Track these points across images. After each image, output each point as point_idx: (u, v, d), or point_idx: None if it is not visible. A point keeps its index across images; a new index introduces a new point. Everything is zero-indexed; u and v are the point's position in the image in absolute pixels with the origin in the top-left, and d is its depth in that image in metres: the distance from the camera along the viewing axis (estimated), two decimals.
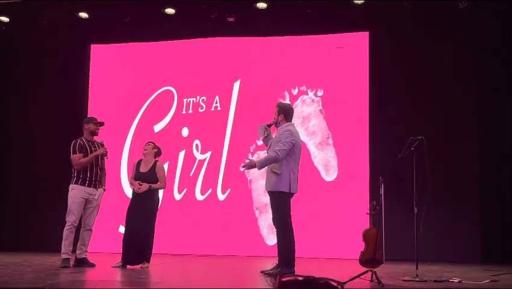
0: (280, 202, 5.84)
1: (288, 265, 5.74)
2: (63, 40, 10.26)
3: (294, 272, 5.65)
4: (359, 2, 9.11)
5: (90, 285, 5.16)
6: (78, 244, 6.73)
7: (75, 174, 6.67)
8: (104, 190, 6.88)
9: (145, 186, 6.67)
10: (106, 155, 6.86)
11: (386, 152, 8.65)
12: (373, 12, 9.23)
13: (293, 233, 5.83)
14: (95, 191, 6.73)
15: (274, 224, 5.93)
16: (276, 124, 6.10)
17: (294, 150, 5.90)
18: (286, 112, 6.09)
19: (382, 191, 5.36)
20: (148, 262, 6.63)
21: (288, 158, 5.85)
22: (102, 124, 6.97)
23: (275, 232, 5.95)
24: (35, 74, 10.50)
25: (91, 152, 6.72)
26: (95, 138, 6.93)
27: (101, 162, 6.86)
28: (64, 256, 6.52)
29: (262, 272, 5.88)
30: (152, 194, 6.76)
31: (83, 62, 10.32)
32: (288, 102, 8.81)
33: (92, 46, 10.43)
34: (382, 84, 9.25)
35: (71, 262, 6.58)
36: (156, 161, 6.91)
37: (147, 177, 6.75)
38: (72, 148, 6.70)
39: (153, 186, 6.73)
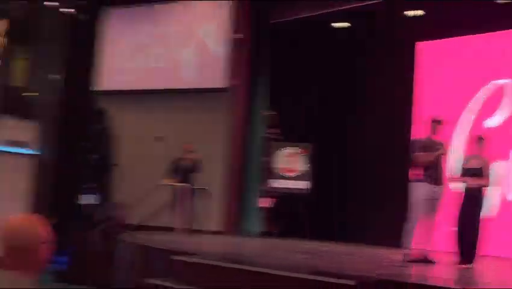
0: None
1: None
2: (392, 39, 10.57)
3: None
4: None
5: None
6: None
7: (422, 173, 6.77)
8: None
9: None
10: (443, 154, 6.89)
11: None
12: None
13: None
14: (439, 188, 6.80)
15: None
16: None
17: None
18: None
19: None
20: (470, 263, 6.45)
21: None
22: (439, 122, 6.93)
23: None
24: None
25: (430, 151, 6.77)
26: (434, 137, 6.93)
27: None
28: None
29: None
30: (479, 191, 6.64)
31: (410, 60, 10.46)
32: None
33: (417, 43, 10.48)
34: None
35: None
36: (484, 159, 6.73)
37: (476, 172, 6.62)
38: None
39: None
